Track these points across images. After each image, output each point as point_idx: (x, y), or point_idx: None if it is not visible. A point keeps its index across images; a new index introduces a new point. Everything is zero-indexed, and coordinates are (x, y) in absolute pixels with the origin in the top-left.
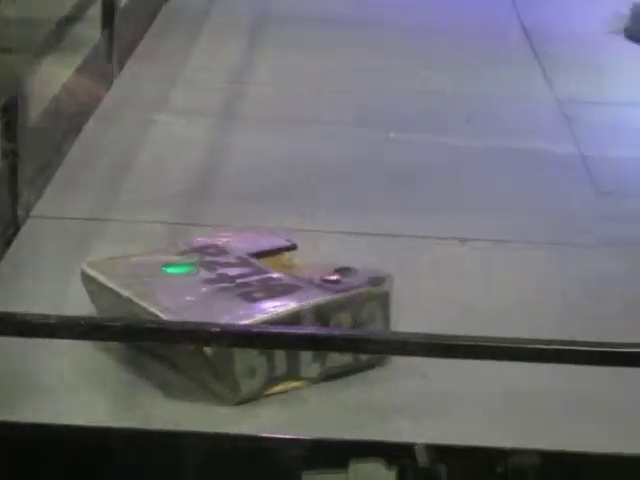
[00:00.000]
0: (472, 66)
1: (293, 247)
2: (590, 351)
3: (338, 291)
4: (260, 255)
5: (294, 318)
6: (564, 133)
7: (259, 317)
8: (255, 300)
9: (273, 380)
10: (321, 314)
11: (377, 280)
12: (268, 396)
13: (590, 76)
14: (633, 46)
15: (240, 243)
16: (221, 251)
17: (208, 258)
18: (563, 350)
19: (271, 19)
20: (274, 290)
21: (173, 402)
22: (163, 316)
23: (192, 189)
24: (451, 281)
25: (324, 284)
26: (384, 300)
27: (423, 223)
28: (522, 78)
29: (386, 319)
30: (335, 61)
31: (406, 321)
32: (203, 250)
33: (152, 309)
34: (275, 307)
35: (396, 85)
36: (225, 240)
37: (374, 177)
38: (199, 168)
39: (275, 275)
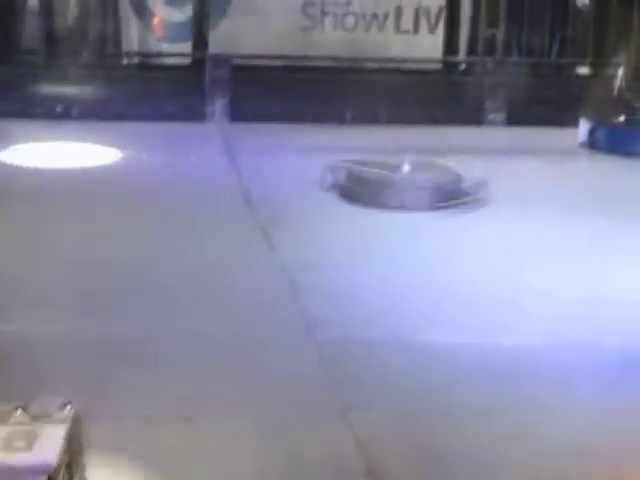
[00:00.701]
0: (191, 233)
1: None
2: None
3: (58, 420)
4: None
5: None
6: (287, 298)
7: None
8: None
9: None
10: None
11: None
12: None
13: (311, 239)
14: (349, 206)
15: None
16: None
17: None
18: None
19: None
20: (21, 439)
21: None
22: None
23: None
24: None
25: (41, 418)
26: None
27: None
28: (243, 245)
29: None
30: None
31: None
32: None
33: None
34: (47, 453)
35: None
36: None
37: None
38: None
39: None
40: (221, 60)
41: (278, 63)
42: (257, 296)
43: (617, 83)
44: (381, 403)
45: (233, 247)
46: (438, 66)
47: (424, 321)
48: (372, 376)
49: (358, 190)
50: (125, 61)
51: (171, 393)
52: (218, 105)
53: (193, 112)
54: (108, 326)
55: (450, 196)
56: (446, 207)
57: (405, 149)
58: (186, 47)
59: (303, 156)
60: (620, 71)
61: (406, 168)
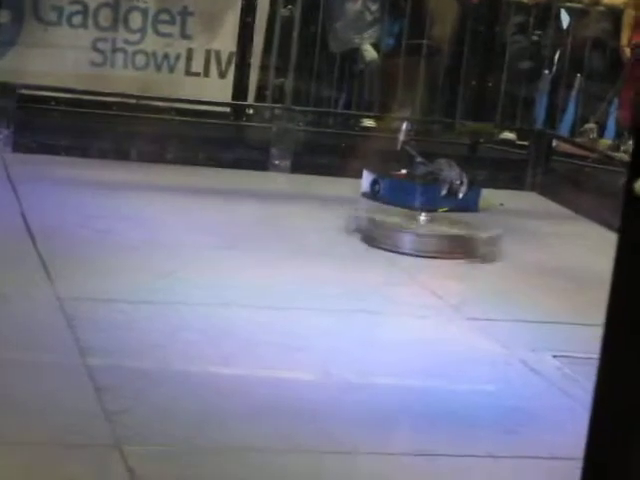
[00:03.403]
0: None
1: None
2: None
3: None
4: None
5: None
6: (63, 328)
7: None
8: None
9: None
10: None
11: None
12: None
13: (91, 272)
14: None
15: None
16: None
17: None
18: None
19: None
20: None
21: None
22: None
23: None
24: None
25: None
26: None
27: None
28: (23, 276)
29: None
30: None
31: None
32: None
33: None
34: None
35: None
36: None
37: None
38: None
39: None
40: (7, 89)
41: (66, 96)
42: (34, 326)
43: (400, 137)
44: (156, 436)
45: (13, 278)
46: (226, 110)
47: (203, 355)
48: (149, 408)
49: None
50: None
51: None
52: (2, 134)
53: None
54: None
55: None
56: None
57: (191, 189)
58: None
59: (87, 189)
60: (404, 125)
61: None
